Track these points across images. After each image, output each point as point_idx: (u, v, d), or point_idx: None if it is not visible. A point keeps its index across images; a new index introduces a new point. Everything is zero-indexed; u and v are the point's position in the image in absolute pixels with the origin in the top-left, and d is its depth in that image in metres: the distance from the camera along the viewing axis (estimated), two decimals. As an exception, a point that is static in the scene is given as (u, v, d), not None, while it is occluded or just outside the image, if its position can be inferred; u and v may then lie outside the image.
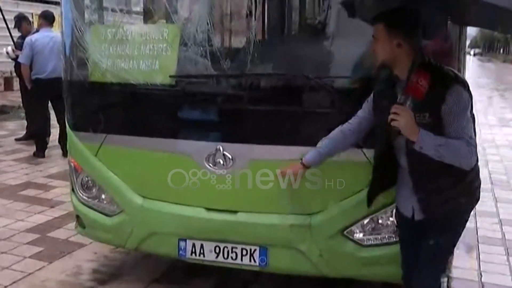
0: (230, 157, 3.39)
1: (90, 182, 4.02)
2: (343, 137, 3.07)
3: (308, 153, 3.12)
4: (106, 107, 3.78)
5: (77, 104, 4.00)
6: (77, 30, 3.82)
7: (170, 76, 3.52)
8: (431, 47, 3.06)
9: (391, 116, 2.53)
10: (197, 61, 3.46)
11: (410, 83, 2.56)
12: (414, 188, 2.80)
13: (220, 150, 3.40)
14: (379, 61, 2.74)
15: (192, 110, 3.53)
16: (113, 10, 3.78)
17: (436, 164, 2.57)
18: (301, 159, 3.13)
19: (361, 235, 3.38)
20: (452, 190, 2.72)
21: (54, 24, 8.96)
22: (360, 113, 3.01)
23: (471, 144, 2.55)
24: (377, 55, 2.73)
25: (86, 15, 3.94)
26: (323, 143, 3.11)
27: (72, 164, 4.10)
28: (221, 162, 3.40)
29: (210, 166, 3.43)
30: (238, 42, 3.73)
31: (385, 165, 2.91)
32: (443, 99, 2.52)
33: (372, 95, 2.93)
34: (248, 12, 3.46)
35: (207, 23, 3.43)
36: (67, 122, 4.13)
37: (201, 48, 3.42)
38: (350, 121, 3.05)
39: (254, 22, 3.40)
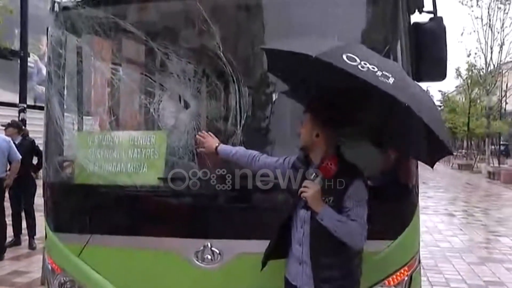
0: (218, 252, 3.67)
1: (68, 283, 4.14)
2: (250, 160, 3.58)
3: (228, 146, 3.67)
4: (92, 208, 4.01)
5: (61, 206, 4.21)
6: (61, 134, 4.09)
7: (159, 178, 3.81)
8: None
9: (301, 189, 3.13)
10: (183, 163, 3.80)
11: (322, 164, 3.18)
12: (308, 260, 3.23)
13: (208, 246, 3.67)
14: (300, 143, 3.34)
15: (179, 209, 3.83)
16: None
17: (332, 238, 3.06)
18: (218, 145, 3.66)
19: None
20: (340, 269, 3.18)
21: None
22: (276, 160, 3.54)
23: (364, 228, 3.07)
24: (300, 139, 3.32)
25: (71, 120, 4.21)
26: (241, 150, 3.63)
27: (49, 265, 4.22)
28: (209, 257, 3.68)
29: (198, 262, 3.69)
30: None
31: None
32: (346, 189, 3.11)
33: (293, 160, 3.46)
34: (231, 118, 3.87)
35: (193, 129, 3.81)
36: (47, 224, 4.28)
37: (188, 151, 3.77)
38: (264, 155, 3.59)
39: (237, 127, 3.82)
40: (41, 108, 15.70)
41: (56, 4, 4.16)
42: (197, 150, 3.62)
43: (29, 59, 16.35)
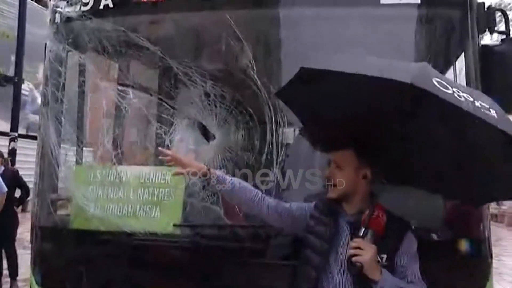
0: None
1: None
2: (257, 200, 2.72)
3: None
4: (90, 260, 3.30)
5: (51, 255, 3.51)
6: (56, 167, 3.41)
7: (174, 225, 3.13)
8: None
9: (352, 251, 2.36)
10: (205, 207, 3.12)
11: (372, 215, 2.41)
12: None
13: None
14: (335, 193, 2.58)
15: (200, 264, 3.13)
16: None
17: None
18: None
19: None
20: None
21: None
22: (292, 206, 2.75)
23: None
24: (336, 186, 2.57)
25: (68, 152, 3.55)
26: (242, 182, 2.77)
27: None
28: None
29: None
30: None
31: None
32: (399, 244, 2.46)
33: (311, 209, 2.70)
34: (266, 154, 3.21)
35: (219, 166, 3.15)
36: (33, 276, 3.57)
37: (211, 193, 3.11)
38: (278, 201, 2.77)
39: (272, 164, 3.16)
40: (33, 137, 15.08)
41: (57, 15, 3.53)
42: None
43: (24, 86, 15.79)
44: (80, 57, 3.58)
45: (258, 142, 3.28)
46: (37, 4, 18.13)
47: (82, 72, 3.66)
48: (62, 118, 3.58)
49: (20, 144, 14.50)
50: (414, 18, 3.15)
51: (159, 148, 2.89)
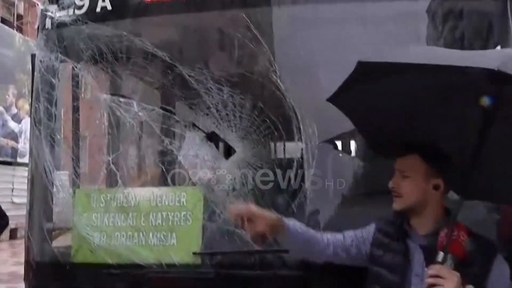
0: None
1: None
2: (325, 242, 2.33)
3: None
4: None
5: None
6: (51, 191, 3.01)
7: (194, 254, 2.73)
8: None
9: (430, 281, 1.92)
10: (228, 232, 2.74)
11: (451, 236, 2.00)
12: None
13: None
14: (401, 205, 2.21)
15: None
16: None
17: None
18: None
19: None
20: None
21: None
22: (345, 236, 2.36)
23: None
24: (402, 197, 2.19)
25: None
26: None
27: None
28: None
29: None
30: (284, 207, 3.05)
31: None
32: (488, 270, 2.06)
33: (370, 234, 2.33)
34: (294, 170, 2.83)
35: (241, 183, 2.77)
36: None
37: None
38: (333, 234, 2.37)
39: (303, 184, 2.79)
40: (5, 163, 14.51)
41: (48, 20, 3.13)
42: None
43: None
44: (75, 67, 3.18)
45: (285, 155, 2.92)
46: (2, 24, 17.63)
47: (78, 83, 3.26)
48: (57, 136, 3.17)
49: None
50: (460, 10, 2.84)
51: (231, 207, 2.41)
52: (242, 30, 2.88)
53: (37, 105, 3.21)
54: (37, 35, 3.22)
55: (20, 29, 20.53)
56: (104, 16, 3.04)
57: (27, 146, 12.21)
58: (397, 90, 2.12)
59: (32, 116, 3.32)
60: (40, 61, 3.19)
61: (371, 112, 2.29)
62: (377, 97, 2.16)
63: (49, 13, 3.14)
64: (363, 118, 2.37)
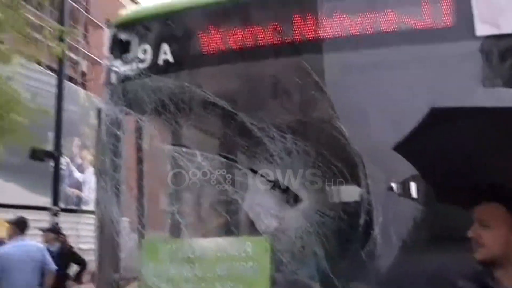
0: None
1: None
2: None
3: None
4: None
5: None
6: (118, 243, 2.88)
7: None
8: None
9: None
10: (299, 283, 2.55)
11: None
12: None
13: None
14: (484, 255, 1.99)
15: None
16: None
17: None
18: None
19: None
20: None
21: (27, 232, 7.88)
22: None
23: None
24: (484, 248, 1.99)
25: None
26: None
27: None
28: None
29: None
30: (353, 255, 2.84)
31: None
32: None
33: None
34: (364, 218, 2.64)
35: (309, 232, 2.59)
36: None
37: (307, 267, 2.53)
38: None
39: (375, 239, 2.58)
40: (72, 211, 14.70)
41: (113, 75, 3.08)
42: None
43: (61, 161, 15.52)
44: (139, 119, 3.11)
45: (351, 202, 2.73)
46: (69, 82, 18.14)
47: (141, 135, 3.18)
48: (122, 187, 3.08)
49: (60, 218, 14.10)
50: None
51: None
52: (303, 76, 2.75)
53: (102, 157, 3.14)
54: (103, 89, 3.17)
55: (84, 86, 21.11)
56: (166, 69, 2.97)
57: (91, 194, 12.45)
58: (473, 135, 1.94)
59: (98, 167, 3.25)
60: (106, 115, 3.13)
61: (445, 160, 2.10)
62: (452, 144, 1.98)
63: (113, 68, 3.09)
64: (435, 167, 2.18)
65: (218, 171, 2.95)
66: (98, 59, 23.03)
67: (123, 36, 3.11)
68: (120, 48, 3.10)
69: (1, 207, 14.23)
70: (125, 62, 3.06)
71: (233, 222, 2.96)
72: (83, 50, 21.76)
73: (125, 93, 3.07)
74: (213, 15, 3.00)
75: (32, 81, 14.83)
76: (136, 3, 26.10)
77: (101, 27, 24.14)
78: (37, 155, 12.75)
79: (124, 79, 3.06)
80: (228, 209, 2.96)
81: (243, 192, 2.88)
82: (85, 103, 19.56)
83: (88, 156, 20.28)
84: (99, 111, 3.21)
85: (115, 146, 3.09)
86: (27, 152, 12.36)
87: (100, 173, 3.16)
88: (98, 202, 3.12)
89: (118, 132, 3.09)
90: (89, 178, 20.26)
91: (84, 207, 19.52)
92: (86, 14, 22.73)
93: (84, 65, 22.40)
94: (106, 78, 3.12)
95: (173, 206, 3.05)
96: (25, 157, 12.71)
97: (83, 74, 22.22)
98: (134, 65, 3.03)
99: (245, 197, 2.87)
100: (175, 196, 3.17)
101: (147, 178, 3.24)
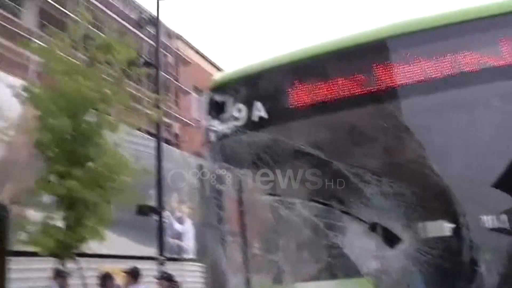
0: None
1: None
2: None
3: None
4: None
5: None
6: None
7: None
8: None
9: None
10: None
11: None
12: None
13: None
14: None
15: None
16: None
17: None
18: None
19: None
20: None
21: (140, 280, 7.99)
22: None
23: None
24: None
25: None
26: None
27: None
28: None
29: None
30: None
31: None
32: None
33: None
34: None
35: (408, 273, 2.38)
36: None
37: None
38: None
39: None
40: (175, 259, 14.82)
41: (211, 134, 3.05)
42: None
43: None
44: (238, 173, 3.04)
45: (451, 240, 2.50)
46: (166, 144, 18.68)
47: (241, 187, 3.11)
48: (227, 237, 3.00)
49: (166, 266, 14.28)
50: None
51: None
52: (392, 121, 2.61)
53: (206, 209, 3.09)
54: (197, 148, 3.15)
55: (178, 146, 21.68)
56: (261, 125, 2.91)
57: (191, 244, 12.50)
58: None
59: (202, 219, 3.21)
60: (207, 171, 3.10)
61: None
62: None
63: (211, 128, 3.07)
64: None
65: (317, 217, 2.81)
66: (188, 121, 23.77)
67: (218, 98, 3.10)
68: (216, 109, 3.08)
69: (115, 258, 14.62)
70: (222, 122, 3.04)
71: (335, 265, 2.79)
72: (175, 114, 22.49)
73: (223, 150, 3.03)
74: (299, 71, 2.94)
75: (133, 144, 15.39)
76: (220, 70, 26.96)
77: (189, 93, 25.01)
78: (142, 210, 13.10)
79: (222, 137, 3.03)
80: (329, 252, 2.80)
81: (342, 235, 2.72)
82: (180, 160, 20.03)
83: (186, 209, 20.65)
84: (200, 167, 3.18)
85: (217, 199, 3.04)
86: (134, 208, 12.71)
87: (205, 226, 3.11)
88: (205, 252, 3.05)
89: (219, 186, 3.04)
90: (188, 229, 20.58)
91: (185, 256, 19.78)
92: (176, 83, 23.61)
93: (176, 128, 23.10)
94: (205, 137, 3.10)
95: (276, 252, 2.91)
96: (132, 213, 13.06)
97: (176, 135, 22.88)
98: (230, 124, 2.99)
99: (345, 240, 2.70)
100: (277, 242, 3.05)
101: (250, 227, 3.14)
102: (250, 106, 2.92)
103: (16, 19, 16.74)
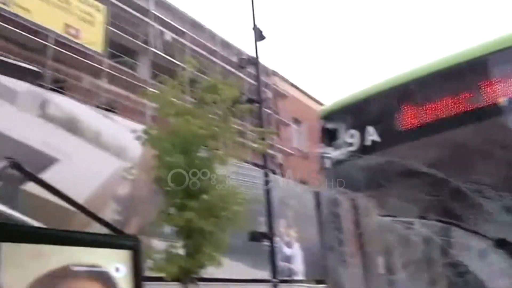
0: None
1: None
2: None
3: None
4: None
5: None
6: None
7: None
8: None
9: None
10: None
11: None
12: None
13: None
14: None
15: None
16: None
17: None
18: None
19: None
20: None
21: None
22: None
23: None
24: None
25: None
26: None
27: None
28: None
29: None
30: None
31: None
32: None
33: None
34: None
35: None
36: None
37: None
38: None
39: None
40: (286, 281, 14.72)
41: (326, 161, 3.04)
42: None
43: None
44: (354, 196, 3.00)
45: None
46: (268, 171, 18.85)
47: (358, 210, 3.05)
48: (348, 258, 2.95)
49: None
50: None
51: None
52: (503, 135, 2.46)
53: (326, 233, 3.07)
54: (318, 175, 3.15)
55: (282, 175, 21.79)
56: (374, 148, 2.86)
57: (300, 266, 12.36)
58: None
59: (323, 242, 3.18)
60: (324, 196, 3.08)
61: None
62: None
63: (326, 155, 3.07)
64: None
65: (438, 235, 2.69)
66: (290, 151, 23.91)
67: (329, 125, 3.10)
68: (329, 137, 3.08)
69: (231, 282, 14.85)
70: (336, 148, 3.02)
71: (459, 284, 2.63)
72: (277, 145, 22.73)
73: (338, 175, 3.01)
74: (407, 93, 2.87)
75: (241, 176, 15.69)
76: (318, 102, 26.98)
77: (288, 125, 25.22)
78: (255, 237, 13.24)
79: (337, 163, 3.01)
80: (453, 271, 2.65)
81: (466, 253, 2.57)
82: (285, 189, 20.12)
83: (294, 233, 20.60)
84: (317, 194, 3.18)
85: (336, 223, 3.00)
86: (247, 235, 12.89)
87: (326, 247, 3.08)
88: (328, 273, 3.02)
89: (337, 211, 3.01)
90: (296, 252, 20.48)
91: (295, 277, 19.67)
92: (276, 116, 23.93)
93: (279, 158, 23.29)
94: (321, 163, 3.10)
95: (400, 272, 2.81)
96: (245, 239, 13.23)
97: (280, 165, 23.05)
98: (344, 149, 2.97)
99: (469, 257, 2.55)
100: (399, 262, 2.94)
101: (369, 248, 3.06)
102: (362, 131, 2.89)
103: (133, 73, 17.98)
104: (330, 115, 3.16)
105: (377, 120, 2.89)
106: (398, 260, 2.98)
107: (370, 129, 2.85)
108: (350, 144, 2.95)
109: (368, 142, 2.86)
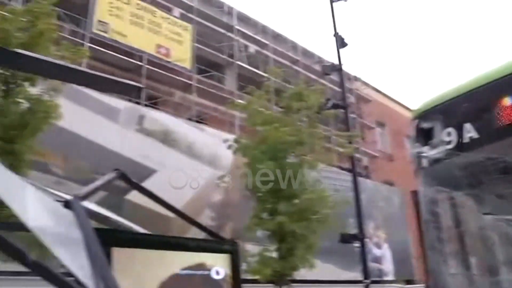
0: None
1: None
2: None
3: None
4: None
5: None
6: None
7: None
8: None
9: None
10: None
11: None
12: None
13: None
14: None
15: None
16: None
17: None
18: None
19: None
20: None
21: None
22: None
23: None
24: None
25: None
26: None
27: None
28: None
29: None
30: None
31: None
32: None
33: None
34: None
35: None
36: None
37: None
38: None
39: None
40: (377, 282, 14.36)
41: (423, 160, 2.94)
42: None
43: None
44: (453, 195, 2.86)
45: None
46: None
47: (456, 209, 2.91)
48: (448, 258, 2.82)
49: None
50: None
51: None
52: None
53: (426, 232, 2.95)
54: (416, 174, 3.04)
55: (367, 177, 21.36)
56: (473, 145, 2.72)
57: (389, 266, 12.01)
58: None
59: (424, 241, 3.07)
60: (423, 195, 2.97)
61: None
62: None
63: (423, 154, 2.96)
64: None
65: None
66: (374, 154, 23.35)
67: (425, 125, 2.99)
68: (424, 136, 2.97)
69: (323, 283, 14.74)
70: (432, 147, 2.91)
71: None
72: (363, 148, 22.30)
73: (436, 173, 2.90)
74: (506, 86, 2.70)
75: (329, 179, 15.56)
76: (401, 104, 26.17)
77: (373, 128, 24.66)
78: (345, 238, 13.06)
79: (434, 161, 2.89)
80: None
81: None
82: (372, 190, 19.69)
83: (382, 234, 20.06)
84: (415, 194, 3.07)
85: (436, 222, 2.89)
86: (337, 237, 12.75)
87: (426, 247, 2.97)
88: (429, 273, 2.90)
89: (436, 209, 2.89)
90: (385, 253, 19.92)
91: (385, 278, 19.15)
92: (360, 120, 23.50)
93: (365, 160, 22.83)
94: (418, 163, 3.00)
95: (504, 273, 2.65)
96: (336, 241, 13.08)
97: (366, 167, 22.59)
98: (441, 148, 2.86)
99: None
100: (503, 262, 2.77)
101: (471, 248, 2.91)
102: (459, 128, 2.76)
103: (221, 85, 18.48)
104: (424, 115, 3.05)
105: (475, 116, 2.75)
106: (501, 260, 2.81)
107: (468, 126, 2.72)
108: (448, 142, 2.83)
109: (466, 140, 2.73)
